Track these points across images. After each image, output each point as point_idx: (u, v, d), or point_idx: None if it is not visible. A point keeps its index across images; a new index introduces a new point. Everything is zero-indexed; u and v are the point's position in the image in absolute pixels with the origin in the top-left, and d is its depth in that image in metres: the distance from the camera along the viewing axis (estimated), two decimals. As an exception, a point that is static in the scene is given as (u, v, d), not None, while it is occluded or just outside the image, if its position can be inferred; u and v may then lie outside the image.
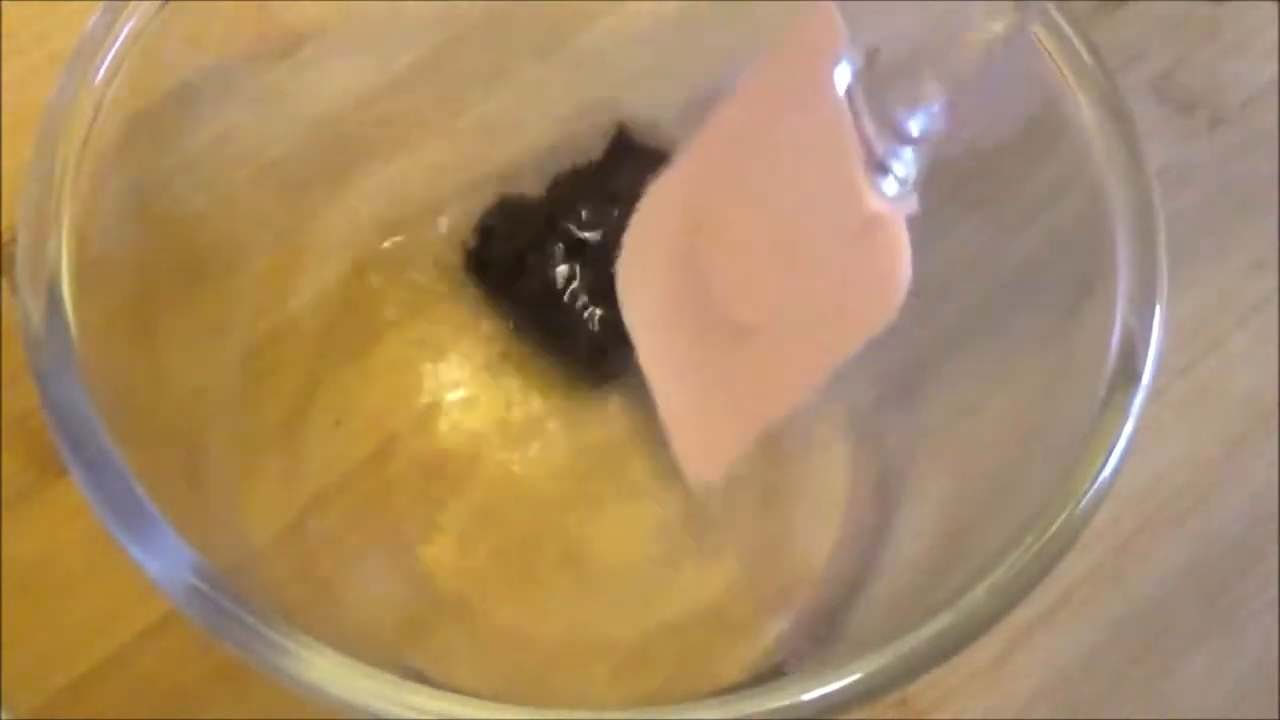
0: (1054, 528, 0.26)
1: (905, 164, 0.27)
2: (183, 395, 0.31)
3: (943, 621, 0.25)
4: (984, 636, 0.25)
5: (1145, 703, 0.34)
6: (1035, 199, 0.32)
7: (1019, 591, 0.25)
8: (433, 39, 0.35)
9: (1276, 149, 0.41)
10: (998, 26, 0.25)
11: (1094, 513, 0.26)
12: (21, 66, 0.38)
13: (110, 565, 0.26)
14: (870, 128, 0.26)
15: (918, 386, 0.34)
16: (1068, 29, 0.30)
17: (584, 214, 0.35)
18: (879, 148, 0.26)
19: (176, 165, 0.31)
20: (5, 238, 0.35)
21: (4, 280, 0.35)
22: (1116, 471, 0.26)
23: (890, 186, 0.27)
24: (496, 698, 0.24)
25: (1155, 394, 0.27)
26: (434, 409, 0.35)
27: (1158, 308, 0.28)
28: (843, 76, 0.26)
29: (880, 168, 0.27)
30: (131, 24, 0.28)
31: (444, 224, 0.37)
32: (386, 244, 0.37)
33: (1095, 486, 0.26)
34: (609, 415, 0.35)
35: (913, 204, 0.27)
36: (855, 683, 0.24)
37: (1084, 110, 0.30)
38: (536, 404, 0.35)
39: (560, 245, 0.35)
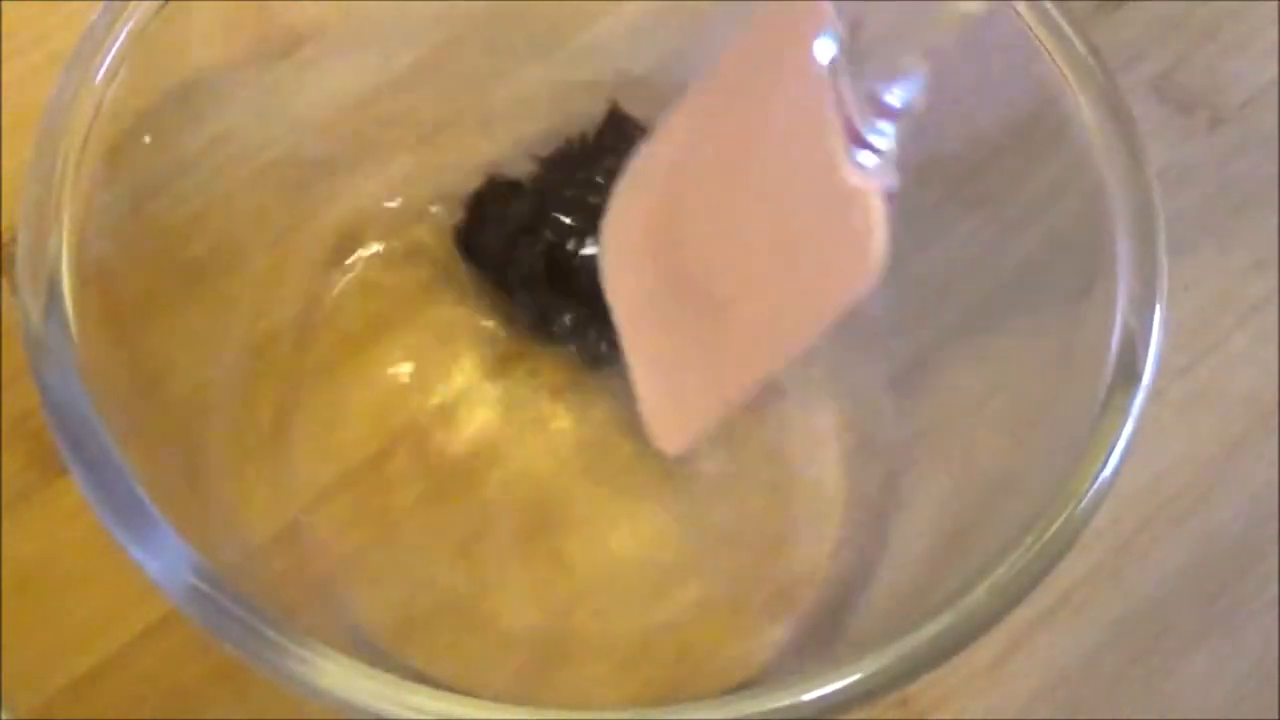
0: (1054, 528, 0.26)
1: (884, 137, 0.27)
2: (182, 395, 0.31)
3: (943, 622, 0.25)
4: (984, 636, 0.25)
5: (1145, 703, 0.34)
6: (1035, 199, 0.32)
7: (1019, 591, 0.25)
8: (433, 39, 0.35)
9: (1276, 149, 0.41)
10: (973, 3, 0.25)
11: (1094, 513, 0.26)
12: (21, 66, 0.38)
13: (110, 565, 0.26)
14: (851, 101, 0.26)
15: (918, 386, 0.34)
16: (1068, 29, 0.30)
17: (574, 195, 0.35)
18: (859, 121, 0.26)
19: (176, 165, 0.31)
20: (5, 238, 0.35)
21: (4, 280, 0.35)
22: (1117, 472, 0.26)
23: (869, 160, 0.27)
24: (496, 698, 0.24)
25: (1155, 394, 0.27)
26: (433, 407, 0.35)
27: (1158, 308, 0.28)
28: (825, 50, 0.26)
29: (860, 141, 0.26)
30: (131, 24, 0.28)
31: (444, 223, 0.37)
32: (386, 243, 0.37)
33: (1095, 487, 0.26)
34: (608, 412, 0.35)
35: (892, 179, 0.27)
36: (855, 683, 0.24)
37: (1084, 110, 0.30)
38: (536, 402, 0.35)
39: (550, 227, 0.35)
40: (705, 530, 0.34)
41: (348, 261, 0.36)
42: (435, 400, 0.35)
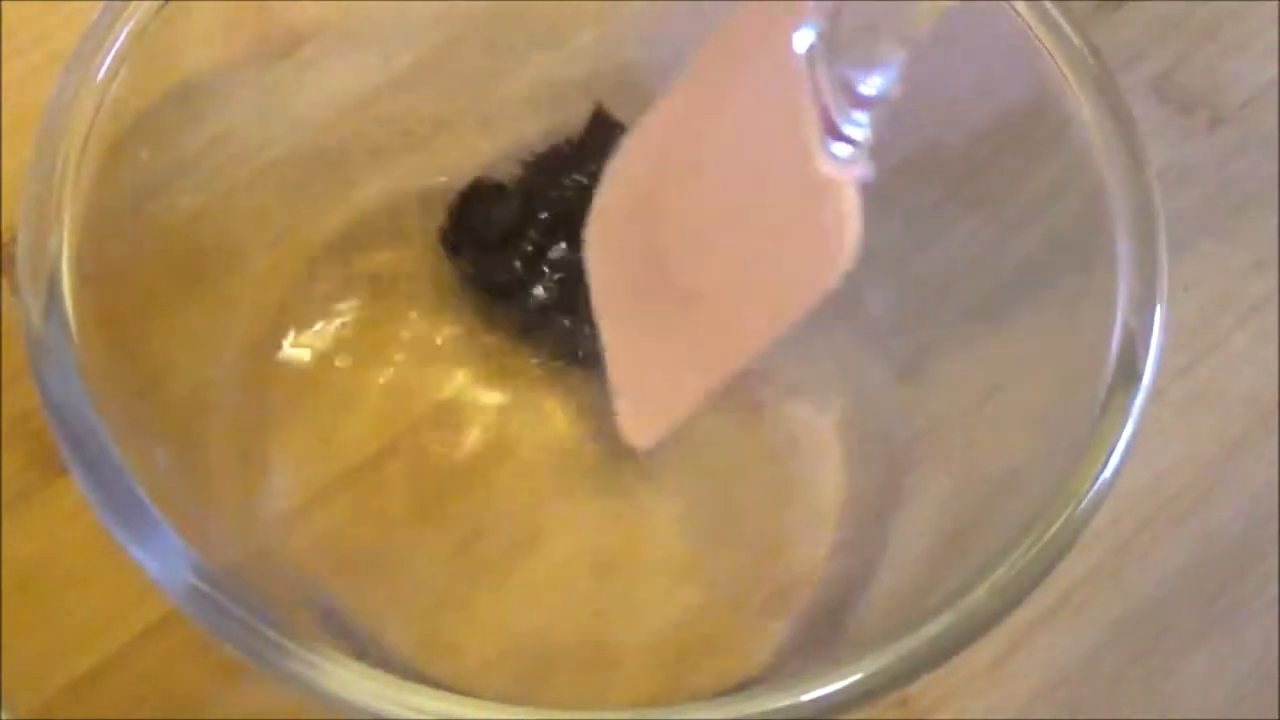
0: (1054, 528, 0.26)
1: (859, 127, 0.27)
2: (182, 395, 0.31)
3: (943, 622, 0.25)
4: (984, 636, 0.25)
5: (1145, 703, 0.34)
6: (1035, 199, 0.32)
7: (1019, 592, 0.25)
8: (433, 39, 0.35)
9: (1276, 149, 0.41)
10: None
11: (1094, 513, 0.26)
12: (21, 66, 0.38)
13: (110, 565, 0.26)
14: (827, 91, 0.26)
15: (918, 386, 0.34)
16: (1068, 29, 0.30)
17: (559, 197, 0.35)
18: (834, 111, 0.26)
19: (176, 165, 0.31)
20: (5, 237, 0.35)
21: (4, 280, 0.35)
22: (1117, 472, 0.26)
23: (843, 150, 0.26)
24: (497, 698, 0.24)
25: (1155, 394, 0.27)
26: (431, 408, 0.35)
27: (1158, 308, 0.28)
28: (804, 39, 0.26)
29: (835, 132, 0.26)
30: (132, 24, 0.28)
31: (442, 224, 0.37)
32: (385, 242, 0.36)
33: (1096, 487, 0.26)
34: (606, 413, 0.35)
35: (867, 170, 0.27)
36: (855, 683, 0.24)
37: (1084, 110, 0.30)
38: (534, 403, 0.35)
39: (535, 230, 0.35)
40: (704, 530, 0.34)
41: (347, 261, 0.36)
42: (433, 401, 0.35)
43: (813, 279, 0.27)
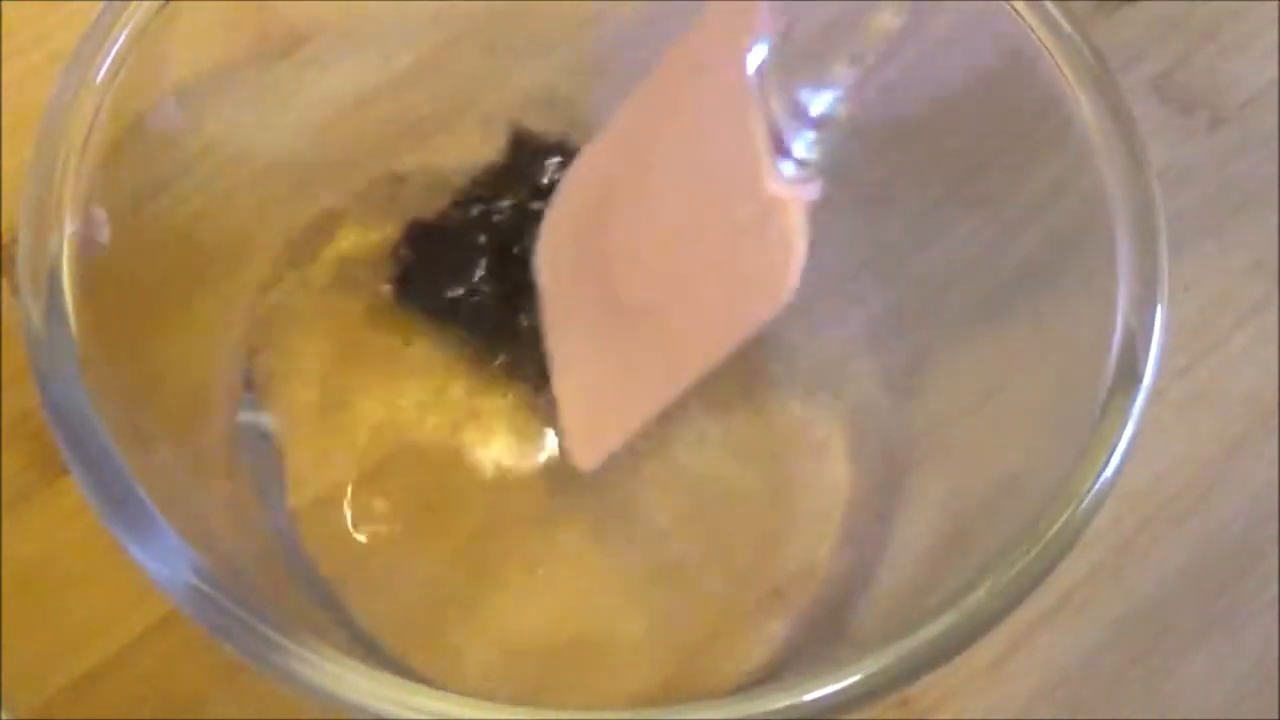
0: (1055, 528, 0.26)
1: (807, 146, 0.27)
2: (182, 395, 0.31)
3: (944, 622, 0.25)
4: (985, 637, 0.25)
5: (1145, 703, 0.34)
6: (1035, 199, 0.32)
7: (1020, 592, 0.25)
8: (433, 39, 0.35)
9: (1276, 149, 0.41)
10: (893, 17, 0.25)
11: (1095, 513, 0.26)
12: (21, 66, 0.38)
13: (110, 565, 0.26)
14: (777, 111, 0.26)
15: (918, 386, 0.34)
16: (1068, 29, 0.30)
17: (498, 221, 0.35)
18: (784, 130, 0.26)
19: (176, 165, 0.31)
20: (5, 238, 0.35)
21: (4, 280, 0.35)
22: (1118, 472, 0.26)
23: (791, 170, 0.26)
24: (497, 698, 0.24)
25: (1155, 394, 0.27)
26: (434, 409, 0.35)
27: (1159, 308, 0.28)
28: (756, 57, 0.26)
29: (784, 150, 0.26)
30: (132, 24, 0.28)
31: (444, 224, 0.37)
32: (384, 242, 0.36)
33: (1096, 487, 0.26)
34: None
35: (814, 190, 0.27)
36: (856, 683, 0.24)
37: (1084, 110, 0.30)
38: (533, 403, 0.35)
39: (481, 261, 0.34)
40: (705, 531, 0.34)
41: (347, 261, 0.36)
42: (434, 402, 0.35)
43: (759, 299, 0.27)
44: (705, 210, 0.28)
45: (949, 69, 0.33)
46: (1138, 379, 0.27)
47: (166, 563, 0.24)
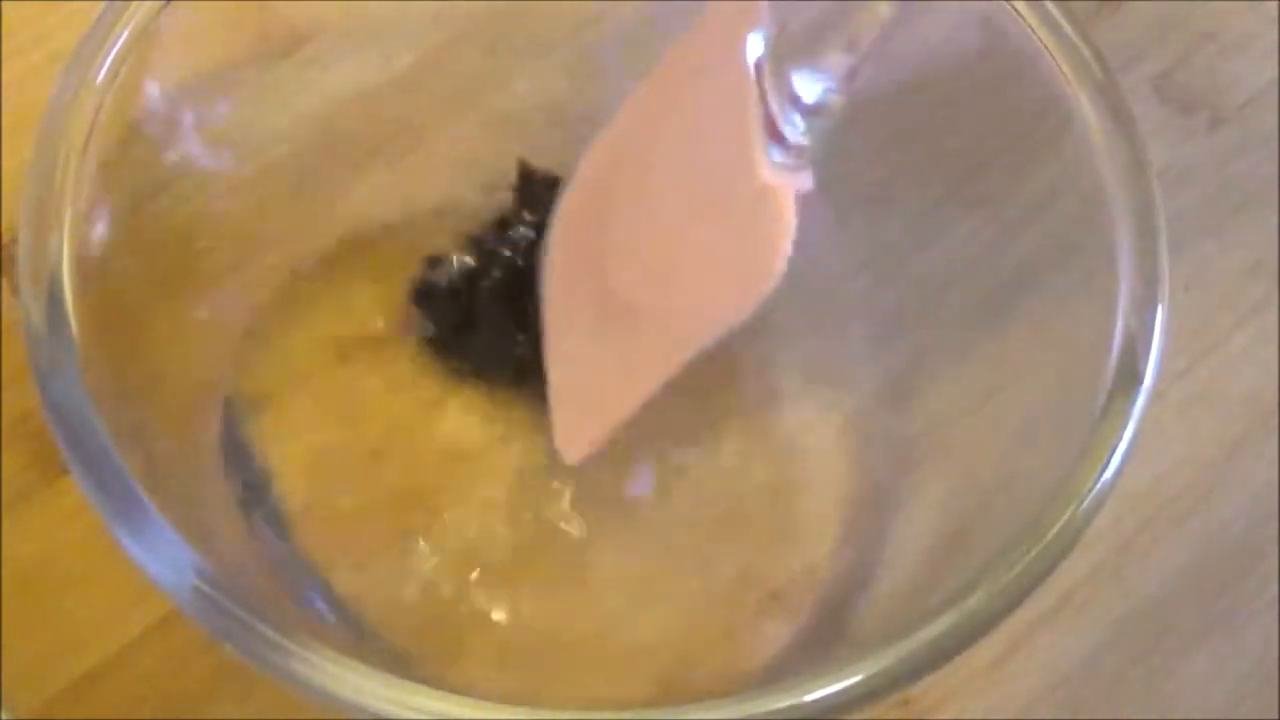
0: (1056, 528, 0.26)
1: (800, 133, 0.27)
2: (183, 395, 0.31)
3: (945, 622, 0.25)
4: (986, 637, 0.25)
5: (1146, 703, 0.34)
6: (1035, 199, 0.32)
7: (1021, 592, 0.25)
8: (433, 39, 0.35)
9: (1276, 149, 0.41)
10: (886, 6, 0.25)
11: (1096, 514, 0.26)
12: (21, 66, 0.38)
13: (110, 565, 0.26)
14: (774, 101, 0.26)
15: (918, 386, 0.34)
16: (1068, 29, 0.30)
17: (513, 263, 0.34)
18: (779, 118, 0.26)
19: (176, 165, 0.31)
20: (6, 238, 0.35)
21: (4, 280, 0.35)
22: (1118, 473, 0.26)
23: (785, 158, 0.27)
24: (497, 698, 0.24)
25: (1156, 395, 0.27)
26: (435, 409, 0.35)
27: (1159, 308, 0.28)
28: (755, 49, 0.26)
29: (779, 139, 0.27)
30: (132, 24, 0.28)
31: (442, 224, 0.37)
32: (384, 243, 0.36)
33: (1097, 487, 0.26)
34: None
35: (806, 180, 0.27)
36: (857, 683, 0.24)
37: (1084, 110, 0.30)
38: (538, 407, 0.35)
39: (500, 308, 0.34)
40: (705, 531, 0.34)
41: (348, 261, 0.36)
42: (435, 401, 0.35)
43: (746, 287, 0.28)
44: (699, 199, 0.29)
45: (949, 69, 0.33)
46: (1138, 379, 0.27)
47: (166, 563, 0.24)
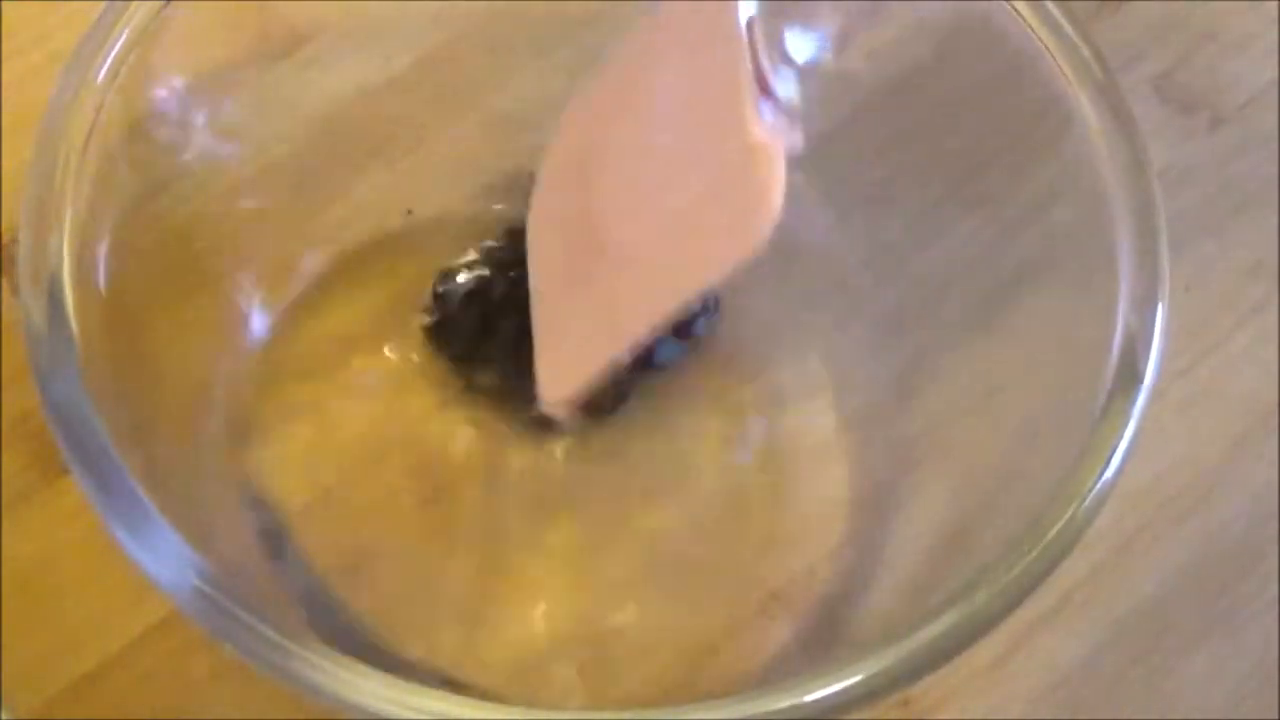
0: (1056, 528, 0.26)
1: (791, 92, 0.27)
2: (182, 395, 0.31)
3: (945, 622, 0.25)
4: (986, 636, 0.25)
5: (1146, 702, 0.34)
6: (1035, 199, 0.32)
7: (1021, 592, 0.25)
8: (433, 39, 0.35)
9: (1276, 149, 0.41)
10: None
11: (1096, 513, 0.26)
12: (21, 66, 0.38)
13: (110, 565, 0.26)
14: (766, 59, 0.26)
15: (918, 386, 0.34)
16: (1068, 29, 0.30)
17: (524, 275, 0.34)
18: (769, 75, 0.27)
19: (176, 165, 0.31)
20: (6, 238, 0.35)
21: (4, 280, 0.35)
22: (1119, 473, 0.26)
23: (775, 115, 0.27)
24: (497, 698, 0.24)
25: (1156, 394, 0.27)
26: (432, 409, 0.35)
27: (1159, 308, 0.28)
28: (748, 6, 0.27)
29: (769, 96, 0.27)
30: (132, 24, 0.28)
31: (442, 224, 0.37)
32: (384, 243, 0.36)
33: (1098, 487, 0.26)
34: (614, 425, 0.35)
35: (797, 139, 0.27)
36: (857, 684, 0.24)
37: (1084, 110, 0.30)
38: (538, 412, 0.35)
39: (513, 323, 0.34)
40: (705, 531, 0.34)
41: (347, 261, 0.36)
42: (435, 401, 0.35)
43: (735, 242, 0.28)
44: (689, 153, 0.29)
45: (949, 69, 0.33)
46: (1138, 379, 0.27)
47: (166, 563, 0.24)
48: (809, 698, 0.24)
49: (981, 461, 0.31)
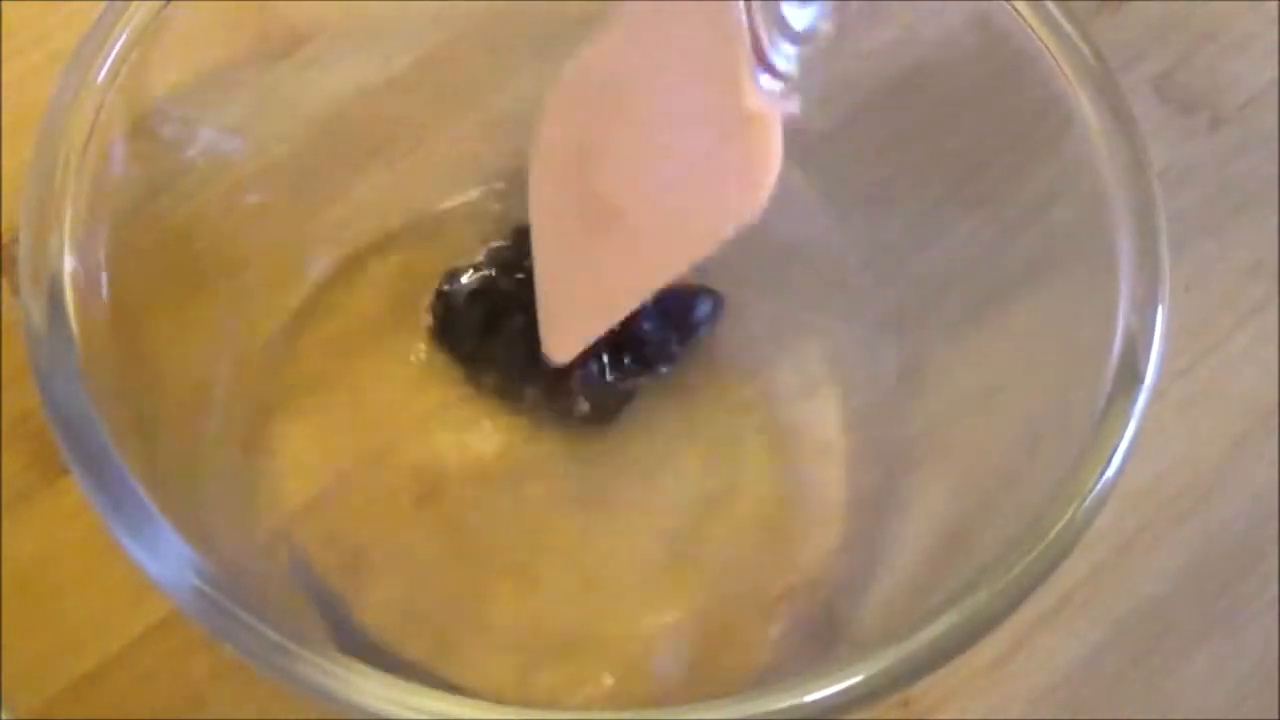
0: (1057, 529, 0.25)
1: (788, 60, 0.27)
2: (182, 395, 0.31)
3: (946, 622, 0.25)
4: (986, 637, 0.25)
5: (1146, 703, 0.34)
6: (1035, 199, 0.32)
7: (1022, 592, 0.25)
8: (433, 39, 0.35)
9: (1276, 149, 0.41)
10: None
11: (1097, 514, 0.26)
12: (21, 66, 0.38)
13: (110, 565, 0.26)
14: (763, 28, 0.27)
15: (918, 386, 0.34)
16: (1069, 28, 0.30)
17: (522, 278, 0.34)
18: (766, 43, 0.27)
19: (177, 165, 0.31)
20: (6, 238, 0.35)
21: (4, 280, 0.35)
22: (1119, 472, 0.26)
23: (772, 84, 0.27)
24: (497, 698, 0.24)
25: (1156, 394, 0.27)
26: (432, 409, 0.35)
27: (1160, 308, 0.28)
28: None
29: (766, 64, 0.27)
30: (133, 24, 0.28)
31: (443, 225, 0.37)
32: (384, 243, 0.36)
33: (1098, 487, 0.26)
34: (615, 425, 0.35)
35: (794, 106, 0.27)
36: (857, 684, 0.24)
37: (1084, 110, 0.30)
38: (538, 413, 0.35)
39: (518, 323, 0.34)
40: (705, 531, 0.34)
41: (347, 262, 0.36)
42: (435, 401, 0.35)
43: (732, 210, 0.28)
44: (686, 120, 0.29)
45: (949, 69, 0.33)
46: (1139, 379, 0.27)
47: (167, 563, 0.24)
48: (809, 698, 0.24)
49: (981, 461, 0.31)
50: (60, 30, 0.38)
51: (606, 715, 0.27)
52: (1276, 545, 0.36)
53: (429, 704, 0.23)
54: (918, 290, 0.35)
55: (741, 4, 0.27)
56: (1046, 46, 0.30)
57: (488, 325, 0.35)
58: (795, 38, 0.27)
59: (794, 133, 0.28)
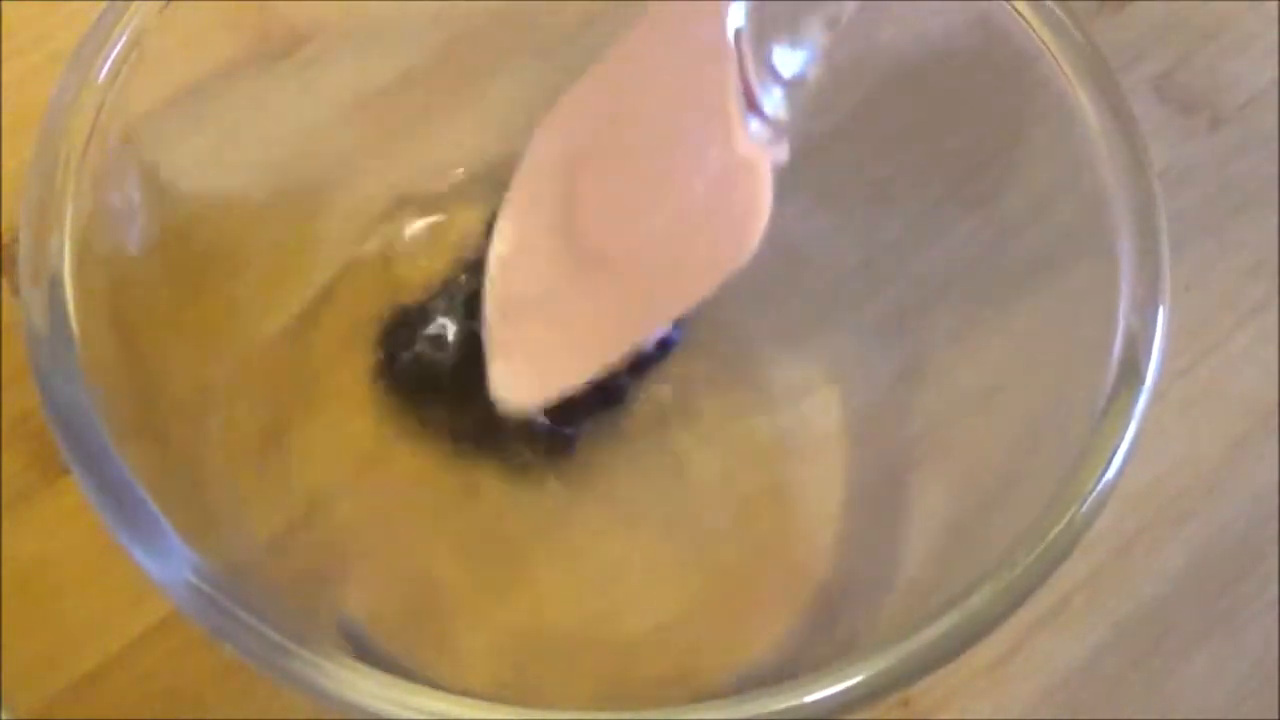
0: (1057, 530, 0.25)
1: (778, 105, 0.27)
2: (183, 395, 0.31)
3: (946, 623, 0.25)
4: (987, 637, 0.25)
5: (1146, 703, 0.34)
6: (1035, 199, 0.32)
7: (1022, 593, 0.25)
8: (433, 39, 0.35)
9: (1277, 149, 0.41)
10: None
11: (1097, 514, 0.26)
12: (22, 66, 0.38)
13: (110, 565, 0.26)
14: (753, 72, 0.27)
15: (918, 386, 0.34)
16: (1069, 28, 0.30)
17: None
18: (757, 89, 0.27)
19: (177, 165, 0.31)
20: (6, 238, 0.35)
21: (4, 280, 0.35)
22: (1120, 473, 0.26)
23: (762, 129, 0.27)
24: (496, 698, 0.24)
25: (1156, 395, 0.27)
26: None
27: (1160, 308, 0.28)
28: (735, 18, 0.27)
29: (756, 110, 0.27)
30: (133, 24, 0.28)
31: (441, 225, 0.37)
32: (383, 244, 0.36)
33: (1098, 488, 0.26)
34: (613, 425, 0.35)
35: (783, 152, 0.27)
36: (857, 684, 0.24)
37: (1084, 110, 0.30)
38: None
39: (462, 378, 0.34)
40: (705, 531, 0.34)
41: (346, 262, 0.36)
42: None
43: (721, 258, 0.28)
44: (674, 165, 0.29)
45: (949, 69, 0.33)
46: (1139, 379, 0.27)
47: (166, 563, 0.24)
48: (809, 698, 0.24)
49: (981, 461, 0.31)
50: (60, 30, 0.38)
51: (605, 715, 0.27)
52: (1276, 546, 0.36)
53: (429, 704, 0.23)
54: (918, 290, 0.35)
55: (733, 49, 0.26)
56: (1047, 46, 0.30)
57: (429, 381, 0.34)
58: (785, 83, 0.27)
59: (794, 133, 0.28)
